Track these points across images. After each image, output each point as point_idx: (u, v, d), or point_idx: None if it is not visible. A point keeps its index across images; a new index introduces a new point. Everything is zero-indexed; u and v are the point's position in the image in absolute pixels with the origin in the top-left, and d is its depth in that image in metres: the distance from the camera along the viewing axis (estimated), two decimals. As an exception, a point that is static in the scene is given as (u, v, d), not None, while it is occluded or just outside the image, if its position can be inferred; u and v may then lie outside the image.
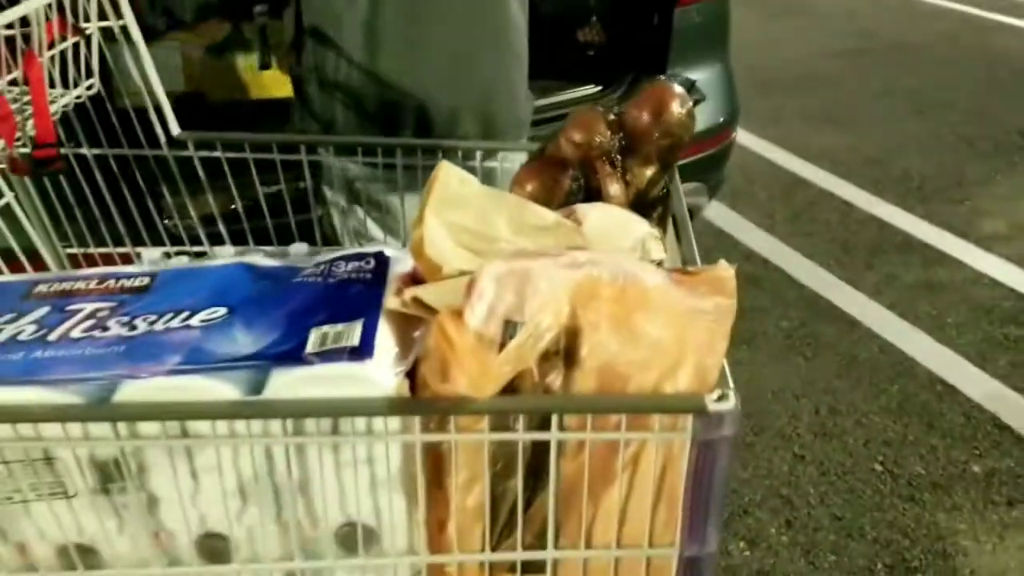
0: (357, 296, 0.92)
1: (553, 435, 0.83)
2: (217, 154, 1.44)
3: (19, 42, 1.13)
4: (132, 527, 0.87)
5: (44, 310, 0.93)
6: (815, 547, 1.95)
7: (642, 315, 0.84)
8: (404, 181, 1.46)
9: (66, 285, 0.97)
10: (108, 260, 1.50)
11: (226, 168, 1.45)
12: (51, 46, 1.20)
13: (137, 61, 1.37)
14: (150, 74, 1.39)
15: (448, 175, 0.97)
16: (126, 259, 1.50)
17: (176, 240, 1.51)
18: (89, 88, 1.33)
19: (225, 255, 1.42)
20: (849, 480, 2.14)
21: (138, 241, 1.51)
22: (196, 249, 1.49)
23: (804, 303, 2.80)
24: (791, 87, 4.78)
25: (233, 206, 1.71)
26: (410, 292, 0.91)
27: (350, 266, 0.98)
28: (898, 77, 5.03)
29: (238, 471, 0.85)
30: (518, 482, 0.86)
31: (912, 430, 2.31)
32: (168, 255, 1.45)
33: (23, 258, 1.31)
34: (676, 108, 1.17)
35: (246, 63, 2.29)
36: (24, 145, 1.20)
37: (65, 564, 0.89)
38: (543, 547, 0.89)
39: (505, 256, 0.88)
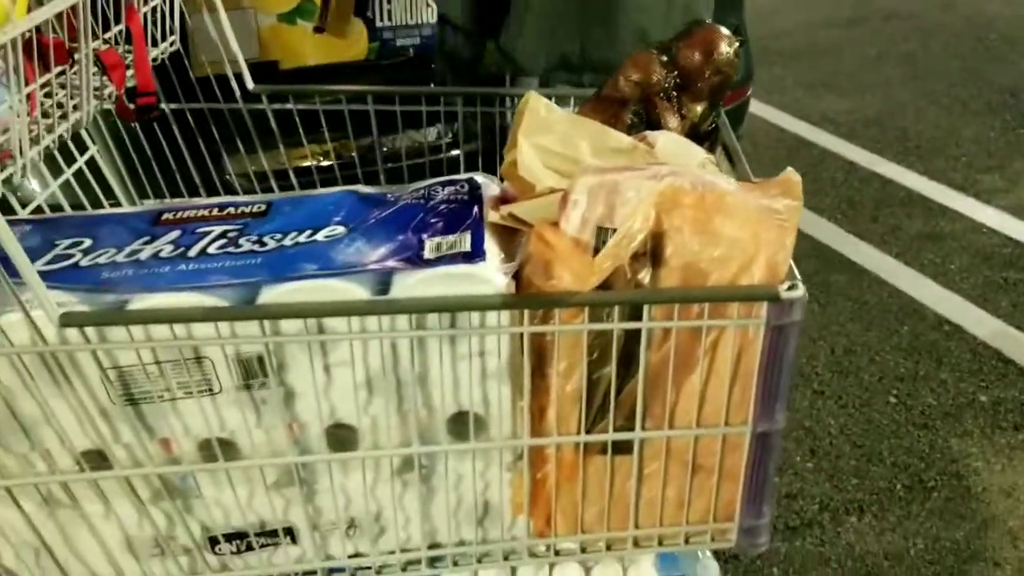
0: (459, 212, 1.03)
1: (644, 324, 0.95)
2: (289, 106, 1.54)
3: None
4: (269, 420, 0.98)
5: (176, 233, 1.04)
6: (838, 472, 2.08)
7: (720, 217, 0.95)
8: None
9: (190, 212, 1.08)
10: (183, 212, 1.60)
11: (297, 121, 1.55)
12: (145, 2, 1.30)
13: (216, 24, 1.47)
14: (227, 31, 1.50)
15: (537, 103, 1.08)
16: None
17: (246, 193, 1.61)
18: (172, 45, 1.43)
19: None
20: (866, 412, 2.28)
21: (211, 194, 1.61)
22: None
23: (815, 254, 2.93)
24: (791, 55, 4.90)
25: (307, 159, 1.80)
26: (506, 208, 1.02)
27: (446, 190, 1.09)
28: (893, 44, 5.15)
29: (366, 365, 0.96)
30: (611, 369, 0.98)
31: (922, 366, 2.45)
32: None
33: (107, 206, 1.41)
34: (724, 48, 1.29)
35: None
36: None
37: (206, 457, 1.00)
38: (631, 428, 1.01)
39: (594, 170, 0.99)
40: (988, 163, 3.68)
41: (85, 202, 1.35)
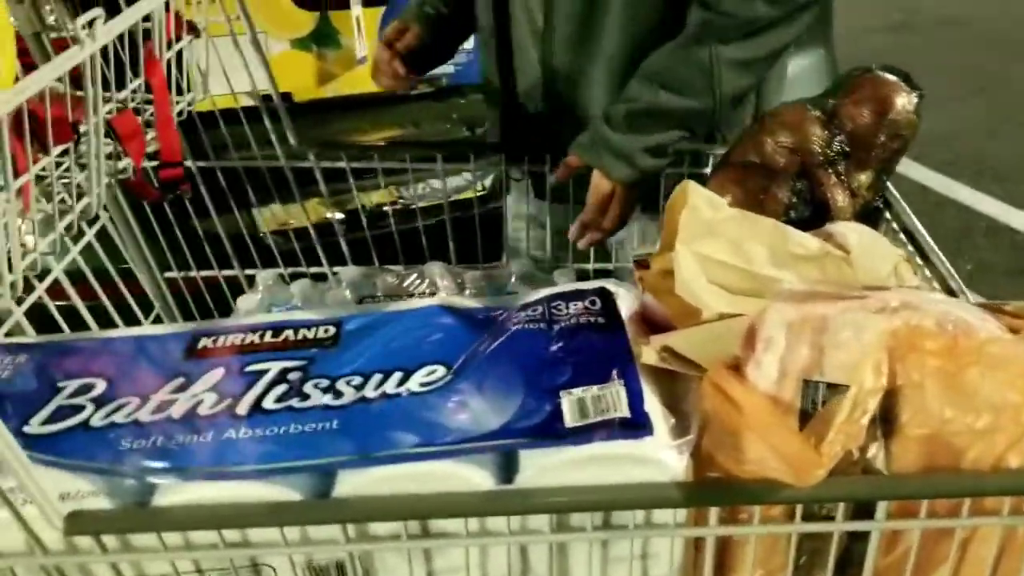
0: (597, 346, 0.77)
1: (876, 524, 0.68)
2: (342, 164, 1.28)
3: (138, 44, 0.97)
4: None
5: (219, 373, 0.77)
6: None
7: (978, 371, 0.68)
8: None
9: (235, 338, 0.81)
10: (212, 284, 1.34)
11: (350, 178, 1.29)
12: (168, 46, 1.04)
13: (256, 62, 1.21)
14: (268, 79, 1.24)
15: (697, 198, 0.81)
16: (233, 282, 1.34)
17: (269, 256, 1.35)
18: (204, 94, 1.16)
19: (348, 275, 1.27)
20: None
21: (244, 258, 1.35)
22: (313, 270, 1.33)
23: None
24: (841, 64, 4.60)
25: (336, 215, 1.55)
26: (661, 340, 0.75)
27: (572, 307, 0.82)
28: (949, 53, 4.85)
29: (484, 574, 0.70)
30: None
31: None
32: (283, 277, 1.29)
33: (118, 280, 1.15)
34: (903, 104, 1.02)
35: (337, 55, 2.12)
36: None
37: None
38: (842, 649, 0.74)
39: (789, 297, 0.72)
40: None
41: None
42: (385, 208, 1.48)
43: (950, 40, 5.09)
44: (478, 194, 1.86)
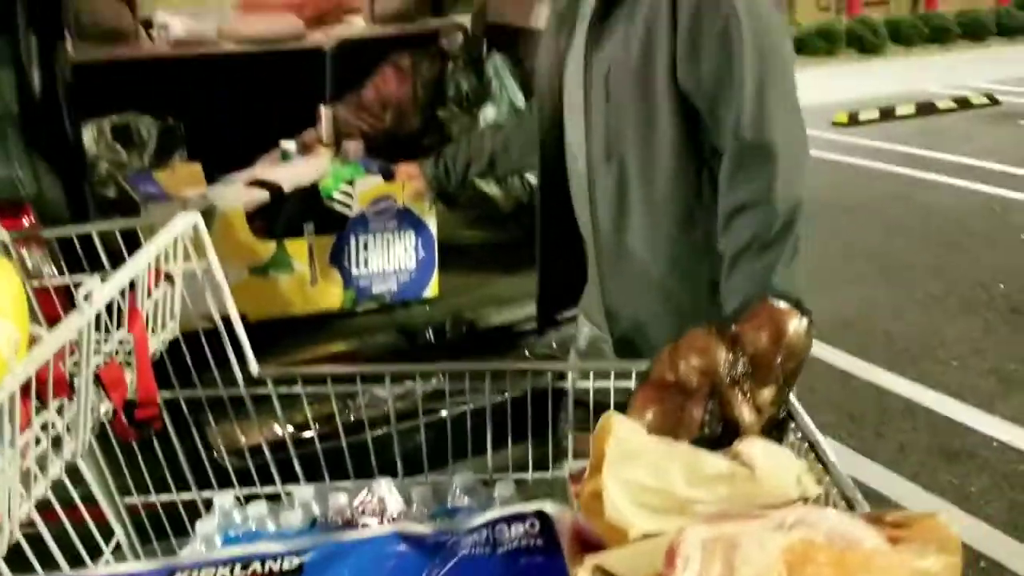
0: (538, 569, 0.86)
1: None
2: (297, 390, 1.38)
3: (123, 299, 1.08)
4: None
5: (196, 607, 0.85)
6: None
7: (865, 579, 0.79)
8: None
9: (208, 572, 0.89)
10: (171, 510, 1.40)
11: (305, 403, 1.39)
12: (148, 295, 1.16)
13: (219, 300, 1.32)
14: (232, 314, 1.35)
15: (620, 427, 0.94)
16: (191, 507, 1.40)
17: (224, 476, 1.42)
18: (172, 333, 1.27)
19: (301, 495, 1.34)
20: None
21: (201, 481, 1.42)
22: (267, 490, 1.40)
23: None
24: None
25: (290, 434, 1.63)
26: (593, 560, 0.85)
27: (514, 531, 0.92)
28: (858, 238, 5.24)
29: None
30: None
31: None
32: (239, 499, 1.36)
33: (82, 507, 1.21)
34: (795, 328, 1.17)
35: (291, 279, 2.27)
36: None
37: None
38: None
39: (704, 518, 0.84)
40: (982, 366, 3.63)
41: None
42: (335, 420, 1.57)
43: (856, 226, 5.50)
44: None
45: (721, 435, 1.11)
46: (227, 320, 1.35)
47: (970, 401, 3.32)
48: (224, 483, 1.40)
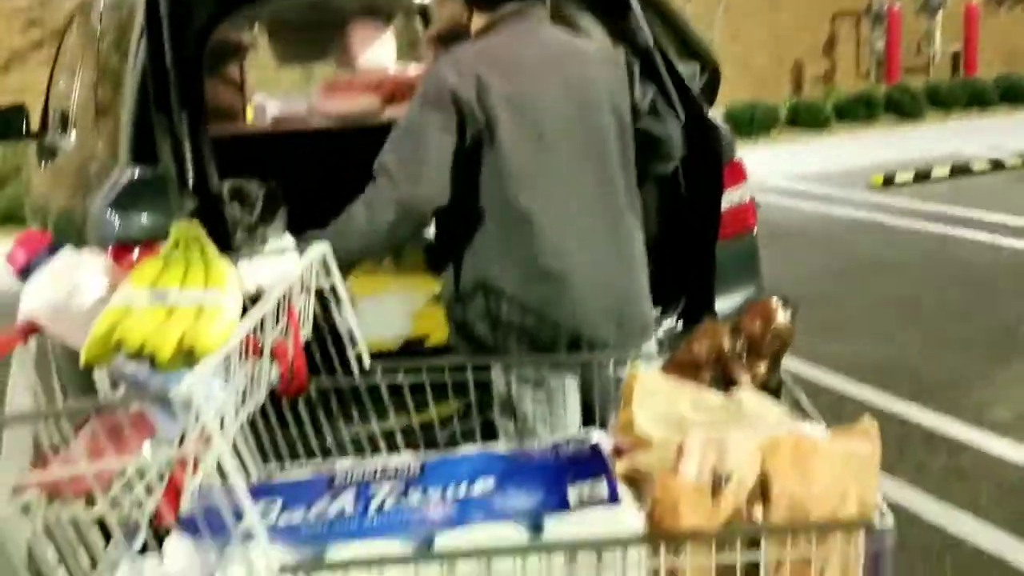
0: (589, 464, 1.24)
1: (763, 554, 1.13)
2: (400, 380, 1.78)
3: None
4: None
5: (351, 493, 1.24)
6: None
7: (815, 460, 1.16)
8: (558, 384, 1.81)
9: (358, 474, 1.28)
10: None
11: (406, 392, 1.78)
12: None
13: (342, 309, 1.74)
14: (350, 320, 1.76)
15: (643, 376, 1.32)
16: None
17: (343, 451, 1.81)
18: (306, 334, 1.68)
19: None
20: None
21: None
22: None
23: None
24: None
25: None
26: (627, 457, 1.24)
27: (571, 447, 1.30)
28: (888, 290, 5.55)
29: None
30: (734, 596, 1.14)
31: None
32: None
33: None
34: (781, 317, 1.55)
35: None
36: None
37: None
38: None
39: (703, 429, 1.21)
40: (993, 396, 3.93)
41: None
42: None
43: (886, 280, 5.81)
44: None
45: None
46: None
47: (985, 427, 3.62)
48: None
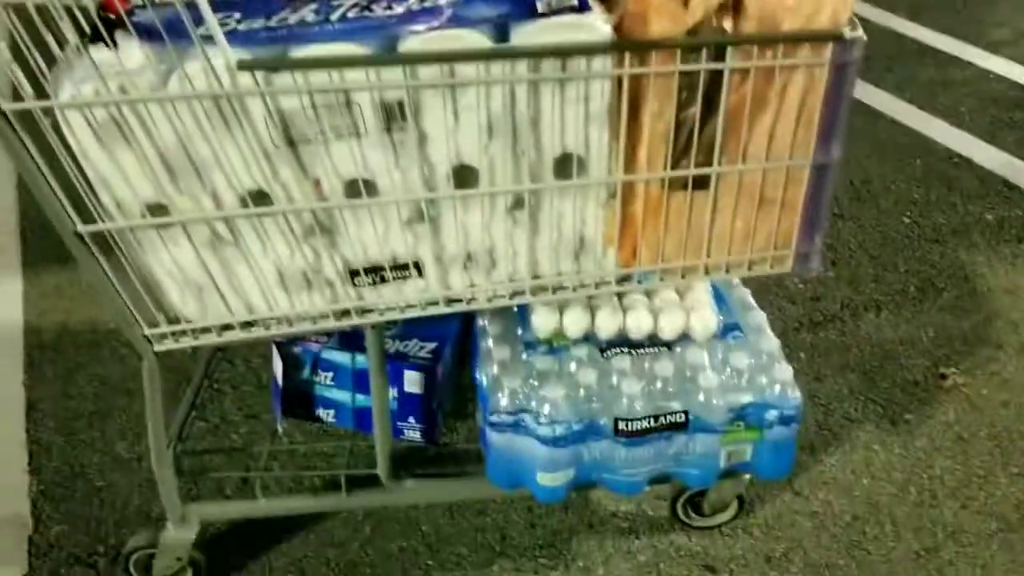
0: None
1: (727, 64, 1.12)
2: None
3: None
4: (405, 161, 1.16)
5: (314, 4, 1.20)
6: (856, 279, 2.31)
7: (791, -27, 1.12)
8: None
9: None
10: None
11: None
12: None
13: None
14: None
15: None
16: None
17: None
18: None
19: None
20: (882, 230, 2.48)
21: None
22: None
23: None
24: None
25: None
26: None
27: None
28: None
29: (488, 109, 1.13)
30: (696, 109, 1.16)
31: (934, 192, 2.65)
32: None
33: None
34: None
35: None
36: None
37: (350, 194, 1.18)
38: (710, 165, 1.20)
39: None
40: (996, 18, 3.81)
41: None
42: None
43: None
44: None
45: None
46: None
47: (979, 44, 3.56)
48: None
